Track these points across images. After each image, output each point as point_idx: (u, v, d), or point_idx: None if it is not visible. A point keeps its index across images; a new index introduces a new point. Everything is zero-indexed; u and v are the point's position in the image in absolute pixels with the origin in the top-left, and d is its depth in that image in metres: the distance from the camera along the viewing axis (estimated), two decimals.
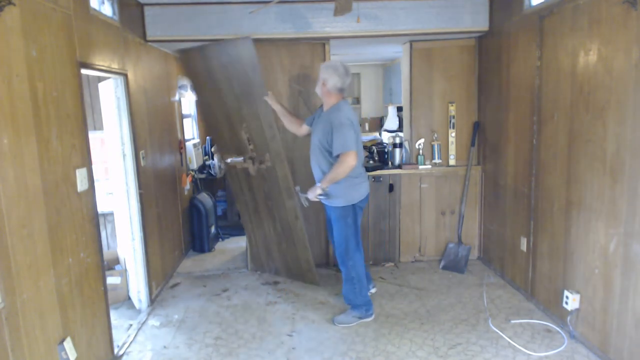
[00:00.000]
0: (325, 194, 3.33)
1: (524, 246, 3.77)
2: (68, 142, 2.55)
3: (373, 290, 3.93)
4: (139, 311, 3.76)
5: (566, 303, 3.14)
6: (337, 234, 3.47)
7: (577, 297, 3.06)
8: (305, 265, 4.13)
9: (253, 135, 3.83)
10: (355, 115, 3.37)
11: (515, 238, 3.93)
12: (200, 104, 4.20)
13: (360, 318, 3.47)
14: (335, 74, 3.24)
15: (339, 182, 3.28)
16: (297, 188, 3.65)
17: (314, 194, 3.36)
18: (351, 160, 3.15)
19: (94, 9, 3.00)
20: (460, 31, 4.24)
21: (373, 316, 3.52)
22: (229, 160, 4.08)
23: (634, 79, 2.50)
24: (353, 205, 3.37)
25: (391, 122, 7.47)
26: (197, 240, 5.19)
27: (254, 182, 4.07)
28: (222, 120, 3.98)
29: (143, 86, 3.90)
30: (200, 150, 6.02)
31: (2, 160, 1.98)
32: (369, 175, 4.47)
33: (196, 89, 4.23)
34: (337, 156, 3.21)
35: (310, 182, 3.55)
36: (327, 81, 3.26)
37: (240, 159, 3.99)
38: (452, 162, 4.64)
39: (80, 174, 2.67)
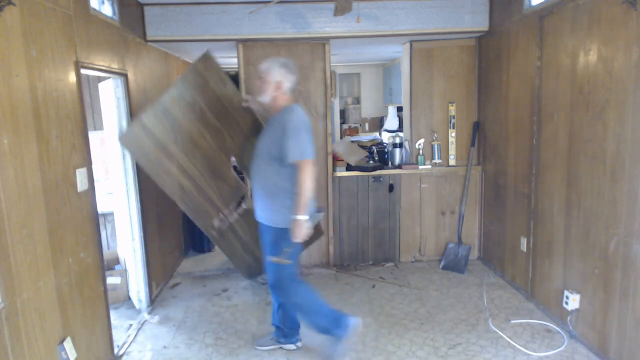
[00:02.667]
0: (311, 217, 2.73)
1: (524, 246, 3.77)
2: (68, 142, 2.55)
3: (299, 344, 3.16)
4: (139, 311, 3.76)
5: (566, 303, 3.14)
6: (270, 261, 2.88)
7: (577, 297, 3.06)
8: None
9: (244, 160, 3.33)
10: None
11: (515, 238, 3.93)
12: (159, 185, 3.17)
13: (341, 338, 2.84)
14: (290, 74, 2.84)
15: (277, 198, 2.76)
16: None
17: (302, 232, 2.67)
18: (310, 170, 2.64)
19: (94, 9, 3.00)
20: (460, 31, 4.24)
21: (356, 322, 2.88)
22: (216, 224, 3.43)
23: (634, 78, 2.50)
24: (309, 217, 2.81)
25: (391, 122, 7.47)
26: (197, 240, 5.19)
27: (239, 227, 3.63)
28: (203, 180, 3.30)
29: (143, 86, 3.90)
30: None
31: (2, 160, 1.98)
32: (369, 176, 4.49)
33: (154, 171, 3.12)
34: (287, 167, 2.70)
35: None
36: (283, 83, 2.82)
37: (225, 220, 3.42)
38: (452, 162, 4.64)
39: (80, 174, 2.67)
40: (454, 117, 4.59)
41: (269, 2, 3.85)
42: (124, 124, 3.49)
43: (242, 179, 3.83)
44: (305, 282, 2.98)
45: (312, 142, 2.73)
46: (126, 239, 3.70)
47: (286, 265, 2.81)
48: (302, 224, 2.66)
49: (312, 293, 2.94)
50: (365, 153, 4.69)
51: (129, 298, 3.91)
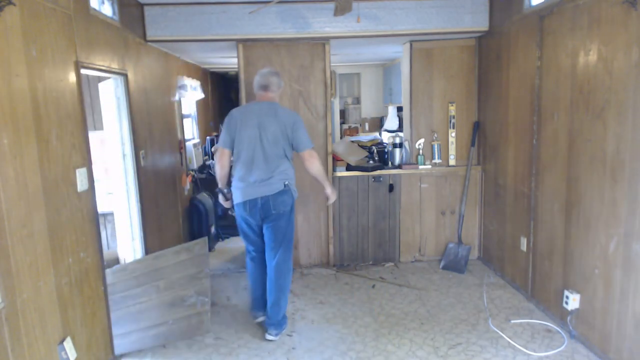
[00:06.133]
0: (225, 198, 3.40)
1: (524, 246, 3.77)
2: (68, 142, 2.55)
3: (261, 319, 3.47)
4: None
5: (566, 303, 3.14)
6: None
7: (577, 297, 3.06)
8: None
9: None
10: (244, 113, 3.24)
11: (515, 238, 3.93)
12: None
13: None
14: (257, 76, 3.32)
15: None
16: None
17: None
18: (217, 157, 3.32)
19: (94, 9, 3.00)
20: (460, 31, 4.24)
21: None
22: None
23: (634, 79, 2.50)
24: (237, 204, 3.34)
25: (391, 122, 7.47)
26: None
27: None
28: None
29: (143, 86, 3.90)
30: (200, 150, 6.02)
31: (2, 160, 1.98)
32: (369, 176, 4.49)
33: None
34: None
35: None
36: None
37: None
38: (452, 162, 4.64)
39: (80, 174, 2.67)
40: (454, 117, 4.59)
41: (269, 2, 3.85)
42: (124, 124, 3.49)
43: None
44: (250, 261, 3.51)
45: (225, 133, 3.27)
46: (126, 239, 3.70)
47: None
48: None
49: (254, 273, 3.49)
50: (365, 153, 4.69)
51: None
